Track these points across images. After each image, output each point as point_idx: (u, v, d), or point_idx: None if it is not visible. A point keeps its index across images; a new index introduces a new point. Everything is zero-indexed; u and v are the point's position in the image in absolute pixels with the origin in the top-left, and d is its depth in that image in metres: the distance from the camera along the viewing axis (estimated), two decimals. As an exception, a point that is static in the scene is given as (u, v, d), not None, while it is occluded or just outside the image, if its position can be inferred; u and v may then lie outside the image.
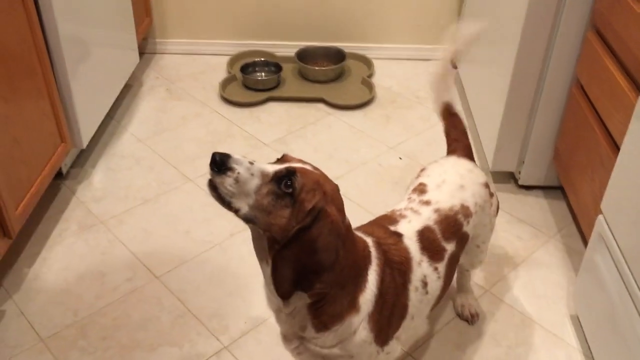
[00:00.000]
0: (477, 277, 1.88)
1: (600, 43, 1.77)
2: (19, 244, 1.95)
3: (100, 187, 2.22)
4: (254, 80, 2.79)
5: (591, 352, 1.62)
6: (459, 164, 1.55)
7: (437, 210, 1.40)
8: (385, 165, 2.37)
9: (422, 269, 1.31)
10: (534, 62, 1.96)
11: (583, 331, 1.67)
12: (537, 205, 2.17)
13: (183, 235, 2.02)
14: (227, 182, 1.03)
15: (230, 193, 1.04)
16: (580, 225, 1.94)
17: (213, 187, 1.04)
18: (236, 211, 1.06)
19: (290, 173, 1.06)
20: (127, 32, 2.60)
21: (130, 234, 2.02)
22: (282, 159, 1.14)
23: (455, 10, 2.97)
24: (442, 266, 1.35)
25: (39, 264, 1.90)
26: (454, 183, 1.47)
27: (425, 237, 1.34)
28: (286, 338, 1.26)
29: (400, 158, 2.41)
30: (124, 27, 2.56)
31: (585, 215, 1.82)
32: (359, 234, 1.24)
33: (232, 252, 1.95)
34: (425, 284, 1.31)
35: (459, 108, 1.66)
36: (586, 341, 1.66)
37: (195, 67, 2.99)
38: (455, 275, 1.64)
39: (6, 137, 1.71)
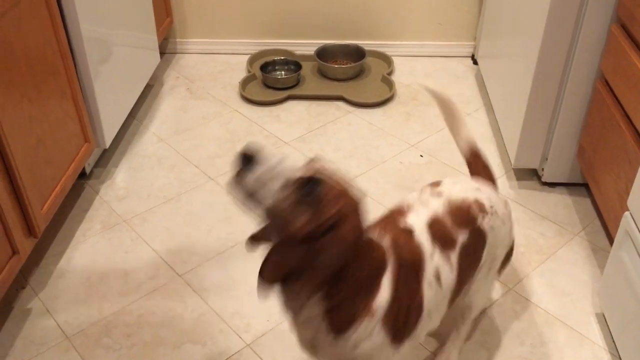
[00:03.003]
0: (501, 275, 1.86)
1: (625, 37, 1.74)
2: (44, 242, 1.98)
3: (123, 186, 2.24)
4: (274, 79, 2.79)
5: (617, 351, 1.59)
6: (483, 184, 1.52)
7: (447, 202, 1.37)
8: (406, 163, 2.36)
9: (435, 262, 1.27)
10: (558, 56, 1.94)
11: (609, 329, 1.65)
12: (561, 202, 2.15)
13: (205, 233, 2.03)
14: (249, 179, 1.01)
15: (250, 191, 1.02)
16: (605, 222, 1.91)
17: (239, 185, 1.03)
18: (253, 209, 1.04)
19: (314, 181, 1.04)
20: (148, 33, 2.62)
21: (153, 232, 2.04)
22: (310, 163, 1.10)
23: (477, 6, 2.94)
24: (454, 257, 1.31)
25: (64, 262, 1.92)
26: (469, 184, 1.47)
27: (436, 228, 1.31)
28: (303, 344, 1.26)
29: (421, 155, 2.39)
30: (145, 28, 2.58)
31: (611, 212, 1.79)
32: (376, 234, 1.22)
33: (253, 251, 1.96)
34: (438, 278, 1.28)
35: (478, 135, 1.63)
36: (612, 339, 1.63)
37: (215, 66, 3.01)
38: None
39: (31, 137, 1.74)
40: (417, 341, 1.31)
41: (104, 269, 1.90)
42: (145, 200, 2.17)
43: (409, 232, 1.29)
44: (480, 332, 1.70)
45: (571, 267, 1.90)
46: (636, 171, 1.50)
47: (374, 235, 1.21)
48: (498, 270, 1.53)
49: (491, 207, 1.41)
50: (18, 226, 1.67)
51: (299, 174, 1.04)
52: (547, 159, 2.14)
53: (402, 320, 1.21)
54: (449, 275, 1.30)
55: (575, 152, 2.10)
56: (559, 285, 1.84)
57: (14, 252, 1.66)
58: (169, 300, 1.79)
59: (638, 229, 1.46)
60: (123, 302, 1.79)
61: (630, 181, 1.59)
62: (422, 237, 1.28)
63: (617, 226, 1.61)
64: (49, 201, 1.83)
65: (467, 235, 1.34)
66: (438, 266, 1.28)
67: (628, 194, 1.54)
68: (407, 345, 1.27)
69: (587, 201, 2.14)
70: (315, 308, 1.14)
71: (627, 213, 1.53)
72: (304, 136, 2.51)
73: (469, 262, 1.38)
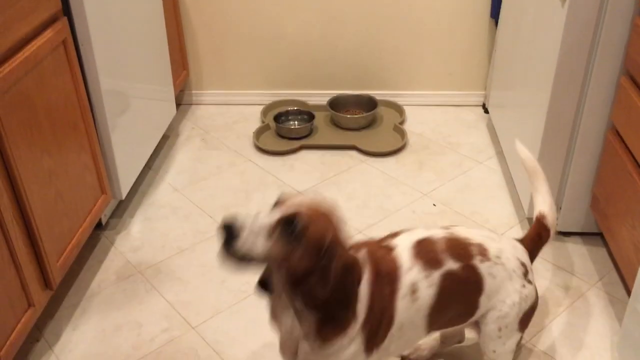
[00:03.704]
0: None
1: (634, 89, 1.75)
2: (59, 294, 1.99)
3: (138, 237, 2.26)
4: (287, 129, 2.83)
5: (640, 407, 1.55)
6: (510, 239, 1.54)
7: (449, 234, 1.42)
8: (419, 212, 2.36)
9: (412, 276, 1.32)
10: (568, 107, 1.96)
11: (630, 385, 1.61)
12: (576, 252, 2.13)
13: (218, 285, 2.03)
14: (239, 245, 1.12)
15: (243, 254, 1.13)
16: (622, 272, 1.89)
17: (230, 253, 1.13)
18: (249, 267, 1.15)
19: (289, 219, 1.14)
20: (165, 85, 2.68)
21: (167, 283, 2.04)
22: (279, 202, 1.20)
23: (486, 57, 2.99)
24: (436, 274, 1.34)
25: (78, 314, 1.93)
26: (488, 235, 1.48)
27: (423, 246, 1.37)
28: (285, 351, 1.32)
29: (434, 205, 2.40)
30: (162, 81, 2.64)
31: (627, 263, 1.78)
32: (353, 247, 1.31)
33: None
34: (414, 291, 1.32)
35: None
36: (634, 395, 1.59)
37: (229, 117, 3.06)
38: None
39: (50, 191, 1.77)
40: (386, 355, 1.36)
41: (118, 321, 1.90)
42: (160, 251, 2.19)
43: (390, 248, 1.36)
44: (498, 386, 1.67)
45: (589, 319, 1.87)
46: (651, 223, 1.50)
47: (351, 247, 1.29)
48: (519, 329, 1.50)
49: (497, 257, 1.42)
50: (34, 279, 1.68)
51: (275, 217, 1.14)
52: (560, 208, 2.14)
53: (375, 327, 1.27)
54: (426, 292, 1.33)
55: (589, 202, 2.09)
56: (577, 338, 1.81)
57: (30, 304, 1.67)
58: (183, 354, 1.79)
59: (655, 281, 1.45)
60: (136, 356, 1.78)
61: (646, 232, 1.58)
62: (403, 252, 1.35)
63: (633, 277, 1.59)
64: (65, 253, 1.85)
65: (458, 266, 1.37)
66: (415, 281, 1.32)
67: (644, 245, 1.53)
68: (376, 357, 1.33)
69: (603, 251, 2.12)
70: (306, 319, 1.23)
71: (643, 265, 1.52)
72: (317, 185, 2.53)
73: (459, 295, 1.39)
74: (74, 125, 1.92)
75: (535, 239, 1.58)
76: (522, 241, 1.57)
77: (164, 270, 2.10)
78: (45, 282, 1.75)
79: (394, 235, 1.44)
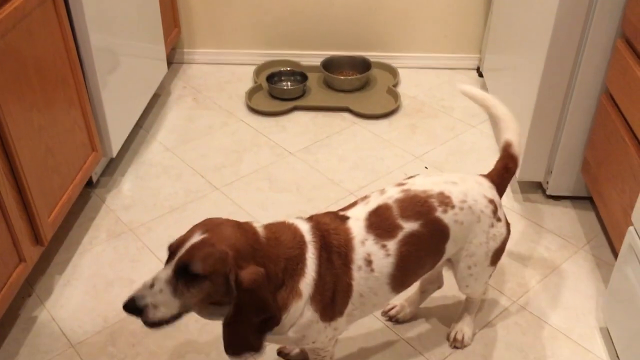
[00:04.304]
0: (504, 288, 1.87)
1: (630, 52, 1.75)
2: (50, 250, 1.99)
3: (129, 195, 2.26)
4: (280, 89, 2.81)
5: (622, 366, 1.59)
6: (475, 177, 1.53)
7: (405, 191, 1.41)
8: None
9: (366, 248, 1.34)
10: (563, 70, 1.95)
11: (613, 343, 1.65)
12: (565, 216, 2.15)
13: (210, 243, 2.04)
14: (152, 315, 1.16)
15: (162, 319, 1.17)
16: (610, 236, 1.91)
17: (150, 324, 1.17)
18: (182, 318, 1.20)
19: (184, 266, 1.15)
20: (156, 43, 2.64)
21: (159, 242, 2.05)
22: (171, 251, 1.20)
23: (483, 19, 2.96)
24: (392, 244, 1.35)
25: (69, 270, 1.93)
26: (447, 178, 1.48)
27: (377, 215, 1.37)
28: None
29: (426, 167, 2.40)
30: (153, 38, 2.60)
31: (615, 226, 1.80)
32: (299, 223, 1.32)
33: (258, 261, 1.96)
34: (369, 262, 1.34)
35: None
36: (616, 354, 1.63)
37: (221, 76, 3.03)
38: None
39: (40, 145, 1.76)
40: (356, 318, 1.41)
41: (109, 278, 1.91)
42: (151, 210, 2.19)
43: (343, 218, 1.37)
44: (484, 345, 1.70)
45: (576, 281, 1.90)
46: (641, 186, 1.51)
47: (298, 221, 1.32)
48: (490, 264, 1.53)
49: (462, 201, 1.42)
50: (25, 234, 1.68)
51: (170, 272, 1.16)
52: (551, 172, 2.15)
53: (328, 298, 1.30)
54: (383, 262, 1.35)
55: (580, 166, 2.10)
56: (563, 299, 1.84)
57: (21, 260, 1.67)
58: (174, 310, 1.80)
59: (642, 244, 1.47)
60: (128, 311, 1.80)
61: (635, 196, 1.59)
62: (357, 223, 1.36)
63: (621, 240, 1.61)
64: (56, 210, 1.85)
65: (419, 225, 1.37)
66: (370, 252, 1.34)
67: (632, 208, 1.54)
68: (342, 321, 1.37)
69: (592, 214, 2.15)
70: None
71: (631, 228, 1.54)
72: (310, 147, 2.52)
73: (423, 251, 1.40)
74: (64, 81, 1.90)
75: (502, 171, 1.56)
76: (488, 176, 1.55)
77: (155, 228, 2.10)
78: (36, 238, 1.75)
79: (352, 205, 1.44)
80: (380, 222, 1.36)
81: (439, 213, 1.39)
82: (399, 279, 1.39)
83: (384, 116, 2.71)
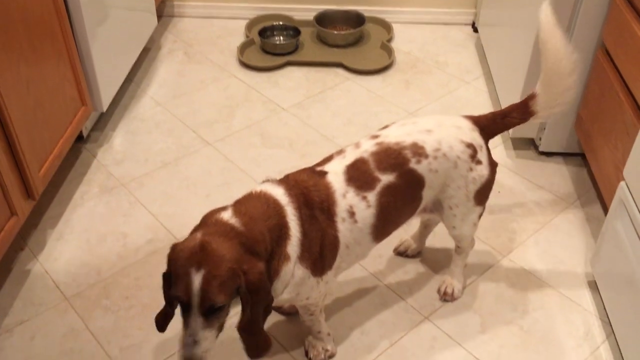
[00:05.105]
0: (495, 243, 1.89)
1: (627, 6, 1.72)
2: (42, 205, 1.99)
3: (120, 150, 2.24)
4: (272, 44, 2.77)
5: (608, 317, 1.62)
6: (456, 119, 1.51)
7: (378, 144, 1.41)
8: (404, 131, 2.35)
9: (348, 200, 1.35)
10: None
11: (600, 296, 1.67)
12: (557, 172, 2.16)
13: (203, 198, 2.04)
14: (209, 357, 1.20)
15: (212, 347, 1.21)
16: (600, 192, 1.93)
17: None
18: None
19: (210, 307, 1.16)
20: (146, -5, 2.58)
21: (151, 196, 2.04)
22: (185, 299, 1.17)
23: (478, -27, 2.90)
24: (372, 195, 1.37)
25: (62, 225, 1.93)
26: (422, 126, 1.46)
27: (355, 169, 1.38)
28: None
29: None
30: (142, -10, 2.54)
31: (607, 182, 1.81)
32: (268, 189, 1.31)
33: (251, 216, 1.97)
34: (352, 214, 1.35)
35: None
36: (603, 306, 1.66)
37: (213, 30, 2.97)
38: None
39: (28, 99, 1.73)
40: (341, 270, 1.44)
41: (102, 232, 1.91)
42: (143, 165, 2.17)
43: (321, 174, 1.37)
44: (473, 297, 1.73)
45: (565, 235, 1.92)
46: (634, 142, 1.51)
47: (272, 186, 1.32)
48: (475, 204, 1.53)
49: (436, 150, 1.42)
50: (16, 188, 1.67)
51: (200, 318, 1.17)
52: (544, 128, 2.14)
53: (317, 253, 1.31)
54: (365, 213, 1.37)
55: (573, 122, 2.10)
56: (553, 254, 1.86)
57: (12, 213, 1.66)
58: (167, 264, 1.81)
59: (633, 198, 1.48)
60: (121, 264, 1.81)
61: (627, 151, 1.59)
62: (336, 177, 1.36)
63: (612, 196, 1.62)
64: (46, 164, 1.83)
65: (394, 177, 1.38)
66: (352, 204, 1.35)
67: (624, 164, 1.55)
68: (332, 274, 1.40)
69: (583, 171, 2.16)
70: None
71: (622, 183, 1.54)
72: (302, 102, 2.50)
73: (401, 201, 1.42)
74: (52, 33, 1.85)
75: (498, 116, 1.52)
76: (474, 118, 1.52)
77: (147, 183, 2.10)
78: (28, 192, 1.74)
79: (327, 159, 1.44)
80: (359, 175, 1.37)
81: (412, 164, 1.40)
82: (380, 229, 1.42)
83: (378, 72, 2.68)
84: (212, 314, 1.18)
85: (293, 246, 1.28)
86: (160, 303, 1.69)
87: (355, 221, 1.36)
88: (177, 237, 1.89)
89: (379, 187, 1.38)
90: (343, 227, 1.35)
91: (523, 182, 2.11)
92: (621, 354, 1.54)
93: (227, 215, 1.23)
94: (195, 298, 1.14)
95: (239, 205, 1.27)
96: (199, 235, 1.18)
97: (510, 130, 2.17)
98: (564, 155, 2.21)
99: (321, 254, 1.33)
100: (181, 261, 1.16)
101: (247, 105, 2.48)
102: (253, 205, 1.27)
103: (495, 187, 1.99)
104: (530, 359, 1.57)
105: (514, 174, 2.15)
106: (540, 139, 2.18)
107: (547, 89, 1.48)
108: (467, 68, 2.72)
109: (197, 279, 1.13)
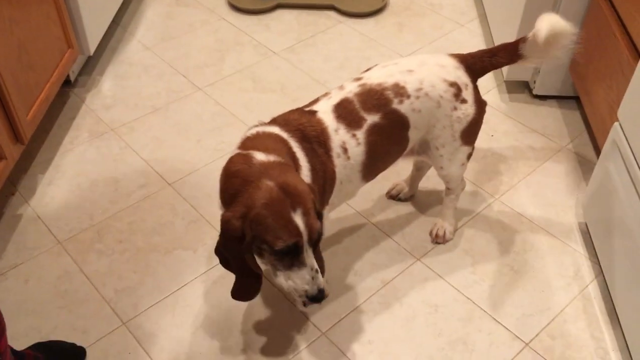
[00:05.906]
0: (487, 185, 1.89)
1: (627, -58, 1.68)
2: (31, 150, 1.96)
3: (109, 95, 2.20)
4: (263, -15, 2.69)
5: (597, 258, 1.64)
6: (440, 58, 1.49)
7: (361, 85, 1.42)
8: (397, 75, 2.32)
9: (340, 136, 1.37)
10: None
11: (590, 237, 1.69)
12: (550, 115, 2.15)
13: (194, 143, 2.02)
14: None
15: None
16: (593, 134, 1.92)
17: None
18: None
19: (319, 237, 1.24)
20: None
21: (142, 141, 2.02)
22: (298, 238, 1.19)
23: None
24: (360, 133, 1.38)
25: (52, 170, 1.92)
26: (404, 66, 1.45)
27: (342, 108, 1.39)
28: None
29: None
30: None
31: (600, 123, 1.80)
32: (265, 129, 1.33)
33: (243, 160, 1.95)
34: (345, 150, 1.38)
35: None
36: (593, 247, 1.68)
37: (201, -28, 2.89)
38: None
39: (12, 40, 1.68)
40: (332, 208, 1.46)
41: (93, 177, 1.90)
42: (133, 109, 2.14)
43: (311, 112, 1.39)
44: (465, 239, 1.74)
45: (557, 178, 1.93)
46: (629, 81, 1.49)
47: (266, 127, 1.33)
48: (462, 144, 1.52)
49: (418, 89, 1.42)
50: (4, 131, 1.64)
51: (312, 252, 1.23)
52: (539, 71, 2.12)
53: (321, 187, 1.34)
54: (356, 150, 1.39)
55: (567, 65, 2.07)
56: (545, 196, 1.87)
57: (1, 157, 1.64)
58: (160, 208, 1.81)
59: (626, 139, 1.47)
60: (114, 209, 1.80)
61: (622, 92, 1.58)
62: (326, 115, 1.38)
63: (605, 137, 1.62)
64: (34, 108, 1.80)
65: (379, 117, 1.40)
66: (344, 140, 1.37)
67: (619, 105, 1.54)
68: (326, 212, 1.41)
69: (577, 114, 2.15)
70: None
71: (616, 124, 1.54)
72: (294, 46, 2.45)
73: (387, 140, 1.43)
74: (33, -29, 1.79)
75: (485, 54, 1.50)
76: (460, 56, 1.50)
77: (138, 128, 2.07)
78: (16, 136, 1.71)
79: (314, 102, 1.44)
80: (346, 114, 1.38)
81: (395, 104, 1.41)
82: (369, 168, 1.43)
83: (371, 15, 2.62)
84: (317, 242, 1.25)
85: (305, 176, 1.30)
86: (154, 246, 1.70)
87: (348, 157, 1.38)
88: (169, 182, 1.88)
89: (365, 126, 1.39)
90: (338, 162, 1.37)
91: (516, 126, 2.10)
92: (609, 292, 1.56)
93: (262, 156, 1.24)
94: (305, 235, 1.19)
95: (254, 143, 1.29)
96: (268, 182, 1.18)
97: (505, 73, 2.17)
98: (558, 98, 2.20)
99: (324, 187, 1.36)
100: (274, 213, 1.16)
101: (238, 49, 2.43)
102: (266, 142, 1.29)
103: (488, 131, 1.98)
104: (520, 297, 1.60)
105: (508, 117, 2.14)
106: (534, 82, 2.16)
107: (537, 46, 1.45)
108: (462, 10, 2.66)
109: (299, 219, 1.17)
